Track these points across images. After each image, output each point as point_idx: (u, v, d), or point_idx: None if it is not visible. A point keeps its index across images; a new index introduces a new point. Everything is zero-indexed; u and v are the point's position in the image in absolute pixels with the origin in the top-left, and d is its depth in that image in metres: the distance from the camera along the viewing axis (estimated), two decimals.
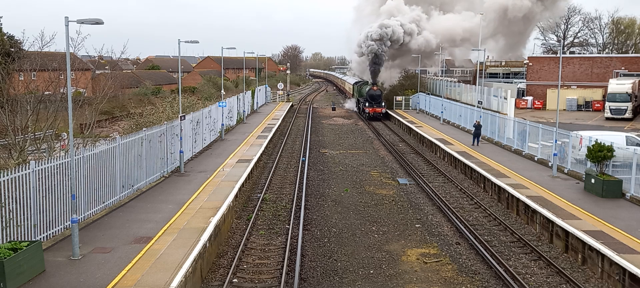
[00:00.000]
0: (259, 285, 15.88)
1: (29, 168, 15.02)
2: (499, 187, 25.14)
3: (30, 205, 15.06)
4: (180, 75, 32.36)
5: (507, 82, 76.98)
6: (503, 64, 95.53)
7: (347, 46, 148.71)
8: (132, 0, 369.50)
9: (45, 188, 15.72)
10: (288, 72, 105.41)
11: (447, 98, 58.33)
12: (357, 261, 17.90)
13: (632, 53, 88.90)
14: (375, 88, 60.09)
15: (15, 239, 14.29)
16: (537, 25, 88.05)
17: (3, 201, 14.02)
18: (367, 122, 58.02)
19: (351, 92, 78.49)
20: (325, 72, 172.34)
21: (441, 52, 67.92)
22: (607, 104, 54.03)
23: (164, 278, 13.62)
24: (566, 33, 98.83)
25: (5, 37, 38.96)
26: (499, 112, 43.52)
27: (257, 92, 66.58)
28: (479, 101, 42.91)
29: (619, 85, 54.18)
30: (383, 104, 59.55)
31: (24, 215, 14.83)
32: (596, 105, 61.59)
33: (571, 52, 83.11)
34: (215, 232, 18.09)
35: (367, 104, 59.37)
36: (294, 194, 26.28)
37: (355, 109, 70.01)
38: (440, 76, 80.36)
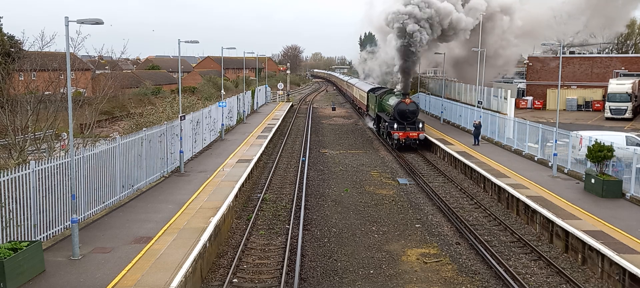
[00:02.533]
0: (259, 285, 15.89)
1: (29, 168, 15.02)
2: (499, 187, 25.13)
3: (30, 205, 15.06)
4: (180, 75, 32.36)
5: (507, 82, 76.96)
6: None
7: (355, 44, 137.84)
8: (132, 1, 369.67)
9: (45, 188, 15.72)
10: (288, 72, 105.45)
11: (447, 98, 58.29)
12: (357, 261, 17.90)
13: (632, 53, 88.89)
14: (408, 100, 39.29)
15: (15, 239, 14.30)
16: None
17: (3, 201, 14.02)
18: (394, 153, 38.22)
19: (365, 103, 56.61)
20: (328, 72, 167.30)
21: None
22: (607, 104, 54.04)
23: (164, 278, 13.62)
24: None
25: (5, 37, 38.96)
26: (499, 112, 43.53)
27: (257, 92, 66.57)
28: (479, 101, 42.92)
29: (619, 85, 54.20)
30: (421, 125, 38.98)
31: (24, 215, 14.83)
32: (596, 105, 61.59)
33: (571, 52, 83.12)
34: (215, 232, 18.09)
35: (395, 126, 38.72)
36: (294, 194, 26.28)
37: (372, 127, 50.53)
38: (440, 76, 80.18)
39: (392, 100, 41.24)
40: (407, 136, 38.24)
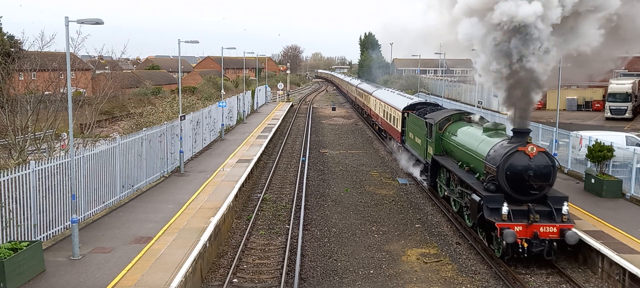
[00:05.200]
0: (259, 285, 15.89)
1: (29, 168, 15.03)
2: None
3: (30, 205, 15.07)
4: (180, 75, 32.37)
5: None
6: None
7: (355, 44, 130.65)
8: (133, 1, 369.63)
9: (45, 188, 15.73)
10: (288, 72, 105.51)
11: (447, 98, 58.29)
12: (357, 261, 17.90)
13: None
14: (533, 149, 17.06)
15: (15, 239, 14.30)
16: None
17: (3, 201, 14.03)
18: (497, 266, 16.98)
19: (398, 128, 33.66)
20: (331, 73, 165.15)
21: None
22: (607, 104, 54.04)
23: (164, 278, 13.62)
24: None
25: (5, 37, 39.00)
26: (499, 112, 43.52)
27: (257, 92, 66.60)
28: (479, 101, 42.92)
29: (619, 85, 54.21)
30: (564, 206, 16.86)
31: (24, 215, 14.84)
32: (596, 105, 61.57)
33: None
34: (215, 232, 18.09)
35: (505, 209, 16.62)
36: (294, 194, 26.28)
37: (420, 177, 28.17)
38: (440, 76, 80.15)
39: (481, 141, 20.04)
40: (535, 233, 16.65)
